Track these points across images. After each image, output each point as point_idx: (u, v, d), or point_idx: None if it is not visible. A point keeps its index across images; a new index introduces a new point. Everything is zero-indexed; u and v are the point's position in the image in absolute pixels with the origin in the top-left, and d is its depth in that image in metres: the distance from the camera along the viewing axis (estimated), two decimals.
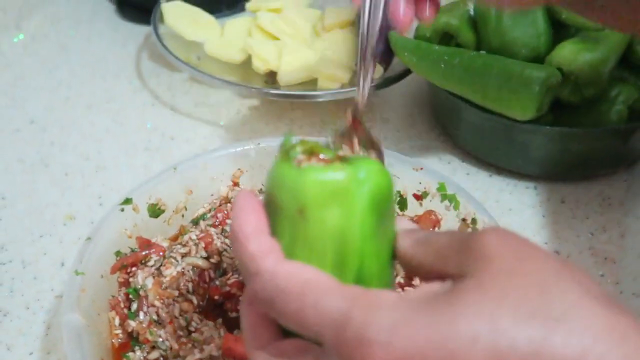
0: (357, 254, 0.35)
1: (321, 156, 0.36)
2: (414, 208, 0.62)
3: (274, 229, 0.36)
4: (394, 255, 0.37)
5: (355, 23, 0.55)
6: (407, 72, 0.81)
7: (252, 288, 0.34)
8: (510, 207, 0.73)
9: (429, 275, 0.35)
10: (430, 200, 0.61)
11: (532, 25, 0.74)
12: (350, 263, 0.35)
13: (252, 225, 0.35)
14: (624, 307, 0.31)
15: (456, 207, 0.59)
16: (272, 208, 0.36)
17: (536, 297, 0.30)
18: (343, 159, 0.36)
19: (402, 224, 0.38)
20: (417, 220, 0.60)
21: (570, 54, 0.71)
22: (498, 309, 0.29)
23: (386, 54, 0.82)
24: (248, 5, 0.94)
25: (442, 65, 0.73)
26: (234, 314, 0.53)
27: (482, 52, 0.75)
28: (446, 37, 0.79)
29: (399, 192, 0.62)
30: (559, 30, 0.75)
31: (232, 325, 0.53)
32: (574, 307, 0.29)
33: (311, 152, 0.36)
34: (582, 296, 0.30)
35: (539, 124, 0.71)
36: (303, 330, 0.33)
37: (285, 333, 0.35)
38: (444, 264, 0.34)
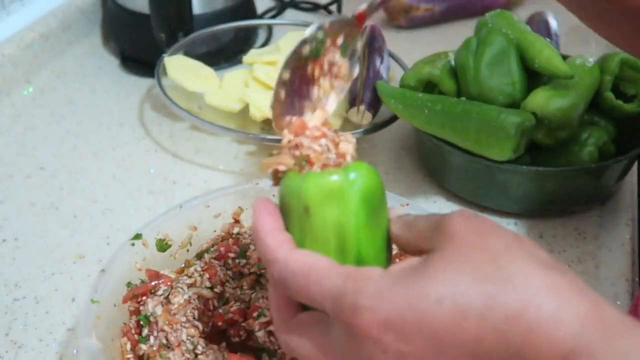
0: (354, 241, 0.42)
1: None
2: None
3: (288, 227, 0.43)
4: (389, 237, 0.44)
5: None
6: (394, 119, 0.87)
7: (271, 273, 0.42)
8: None
9: (414, 252, 0.42)
10: None
11: (508, 74, 0.79)
12: (349, 249, 0.42)
13: (269, 224, 0.43)
14: (564, 269, 0.37)
15: None
16: (284, 210, 0.43)
17: (489, 264, 0.37)
18: (337, 165, 0.44)
19: (394, 211, 0.46)
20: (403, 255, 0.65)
21: (543, 100, 0.76)
22: (459, 275, 0.36)
23: (374, 102, 0.88)
24: (245, 59, 0.99)
25: (426, 111, 0.78)
26: (236, 339, 0.57)
27: (462, 98, 0.79)
28: (429, 86, 0.85)
29: None
30: (533, 78, 0.80)
31: (235, 349, 0.56)
32: (520, 270, 0.36)
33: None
34: (527, 261, 0.37)
35: (516, 164, 0.76)
36: (310, 303, 0.41)
37: (304, 309, 0.43)
38: (422, 242, 0.41)
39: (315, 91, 0.50)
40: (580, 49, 1.06)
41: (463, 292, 0.36)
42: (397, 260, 0.57)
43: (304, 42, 0.48)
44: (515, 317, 0.35)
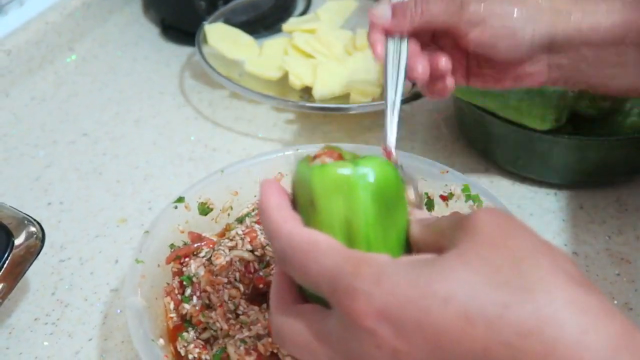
0: (363, 238, 0.39)
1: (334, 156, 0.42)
2: (441, 209, 0.67)
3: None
4: (408, 240, 0.41)
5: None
6: None
7: (274, 248, 0.39)
8: (531, 212, 0.77)
9: (431, 251, 0.37)
10: (456, 201, 0.66)
11: None
12: (358, 246, 0.39)
13: (275, 202, 0.40)
14: (593, 287, 0.33)
15: (479, 207, 0.64)
16: (295, 200, 0.42)
17: (511, 269, 0.33)
18: (354, 158, 0.41)
19: (417, 214, 0.42)
20: None
21: None
22: (473, 275, 0.33)
23: None
24: (284, 27, 0.99)
25: None
26: None
27: None
28: None
29: (426, 193, 0.67)
30: None
31: None
32: (544, 281, 0.32)
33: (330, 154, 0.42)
34: (553, 272, 0.33)
35: (558, 134, 0.75)
36: (306, 283, 0.38)
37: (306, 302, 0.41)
38: (441, 239, 0.37)
39: None
40: None
41: (475, 295, 0.32)
42: None
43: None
44: (530, 334, 0.31)
